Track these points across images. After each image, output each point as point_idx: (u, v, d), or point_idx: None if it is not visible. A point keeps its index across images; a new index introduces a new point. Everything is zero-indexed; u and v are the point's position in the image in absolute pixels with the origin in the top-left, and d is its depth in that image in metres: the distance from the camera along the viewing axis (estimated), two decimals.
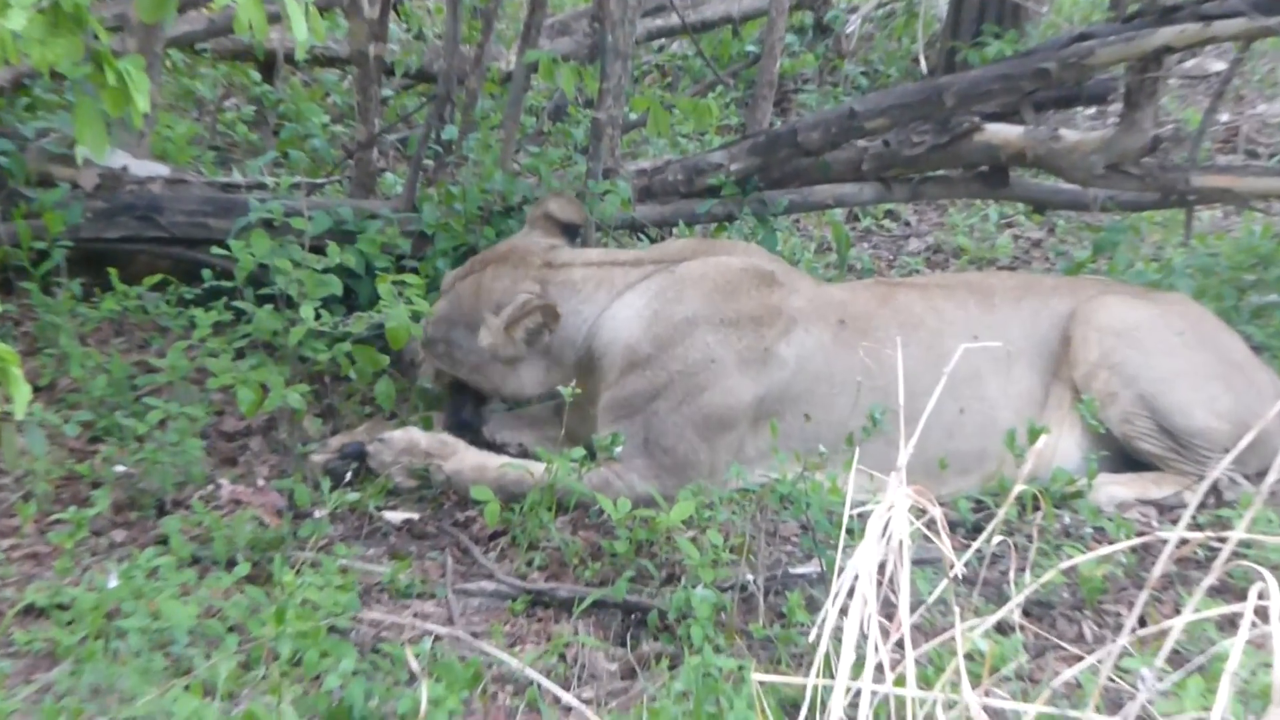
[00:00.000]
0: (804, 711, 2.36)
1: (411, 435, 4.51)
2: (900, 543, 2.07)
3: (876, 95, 6.21)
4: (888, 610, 2.07)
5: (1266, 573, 2.04)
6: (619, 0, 5.47)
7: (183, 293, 5.24)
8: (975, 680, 2.27)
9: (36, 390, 4.56)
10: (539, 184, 5.69)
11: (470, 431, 4.71)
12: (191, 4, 7.40)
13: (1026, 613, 3.71)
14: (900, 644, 2.04)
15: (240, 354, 4.73)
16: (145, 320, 5.25)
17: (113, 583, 3.47)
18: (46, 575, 3.68)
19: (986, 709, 2.22)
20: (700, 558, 3.66)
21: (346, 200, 5.94)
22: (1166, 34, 5.20)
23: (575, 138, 7.97)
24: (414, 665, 3.24)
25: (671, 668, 3.39)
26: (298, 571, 3.65)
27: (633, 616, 3.71)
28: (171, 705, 2.94)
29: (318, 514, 4.14)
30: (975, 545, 2.47)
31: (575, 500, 4.21)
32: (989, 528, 2.41)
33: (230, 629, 3.37)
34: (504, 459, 4.43)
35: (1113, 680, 3.02)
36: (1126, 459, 4.63)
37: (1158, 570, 2.16)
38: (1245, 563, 2.48)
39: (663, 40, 10.45)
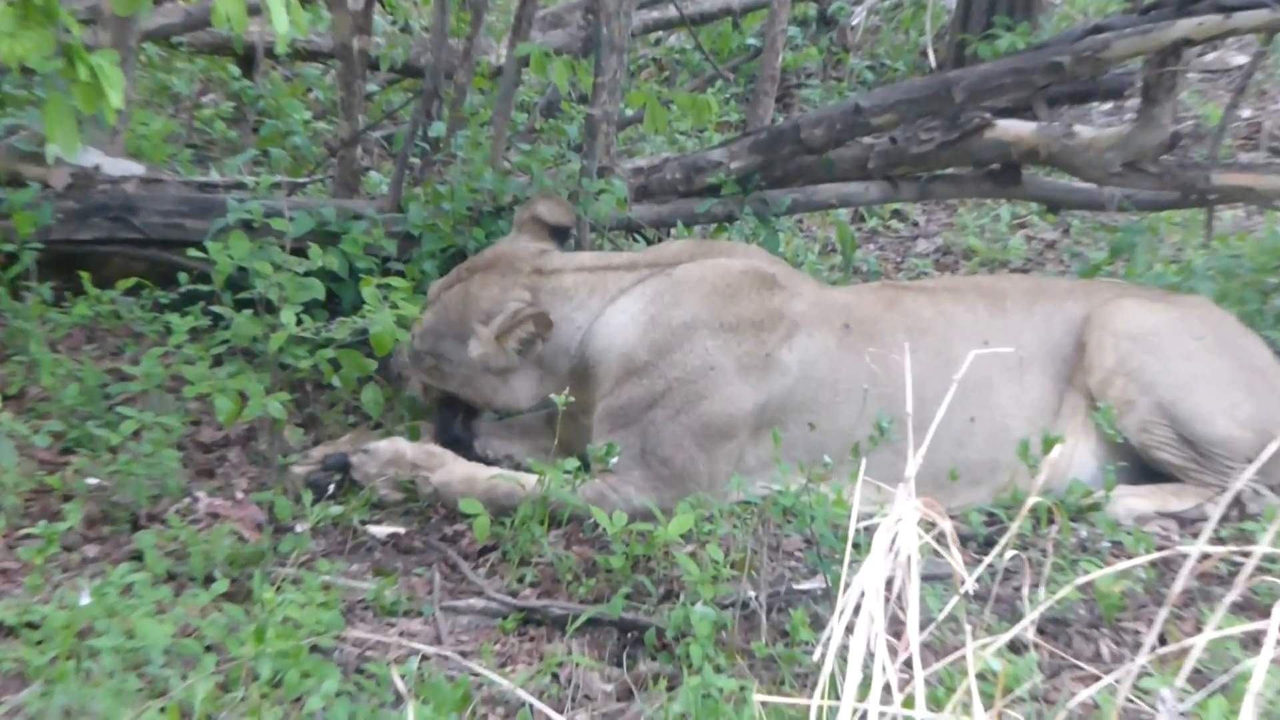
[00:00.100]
0: None
1: (397, 446, 4.51)
2: (909, 557, 2.07)
3: (883, 90, 6.22)
4: (896, 628, 2.07)
5: None
6: None
7: (158, 297, 5.22)
8: (988, 701, 2.27)
9: (5, 399, 4.56)
10: (530, 183, 5.69)
11: (462, 447, 4.70)
12: None
13: (1041, 630, 3.71)
14: (909, 663, 2.04)
15: (218, 361, 4.72)
16: (119, 326, 5.24)
17: (85, 600, 3.46)
18: (16, 592, 3.67)
19: None
20: (700, 573, 3.66)
21: (329, 200, 5.94)
22: (1185, 26, 5.20)
23: (569, 135, 7.98)
24: (400, 686, 3.24)
25: (670, 689, 3.39)
26: (278, 588, 3.64)
27: (629, 635, 3.71)
28: None
29: (299, 528, 4.14)
30: (987, 560, 2.47)
31: (569, 513, 4.20)
32: (1002, 541, 2.41)
33: (208, 648, 3.36)
34: (494, 470, 4.43)
35: (1131, 701, 3.02)
36: (1145, 470, 4.63)
37: (1178, 586, 2.16)
38: (1269, 578, 2.49)
39: (660, 33, 10.47)
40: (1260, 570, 3.46)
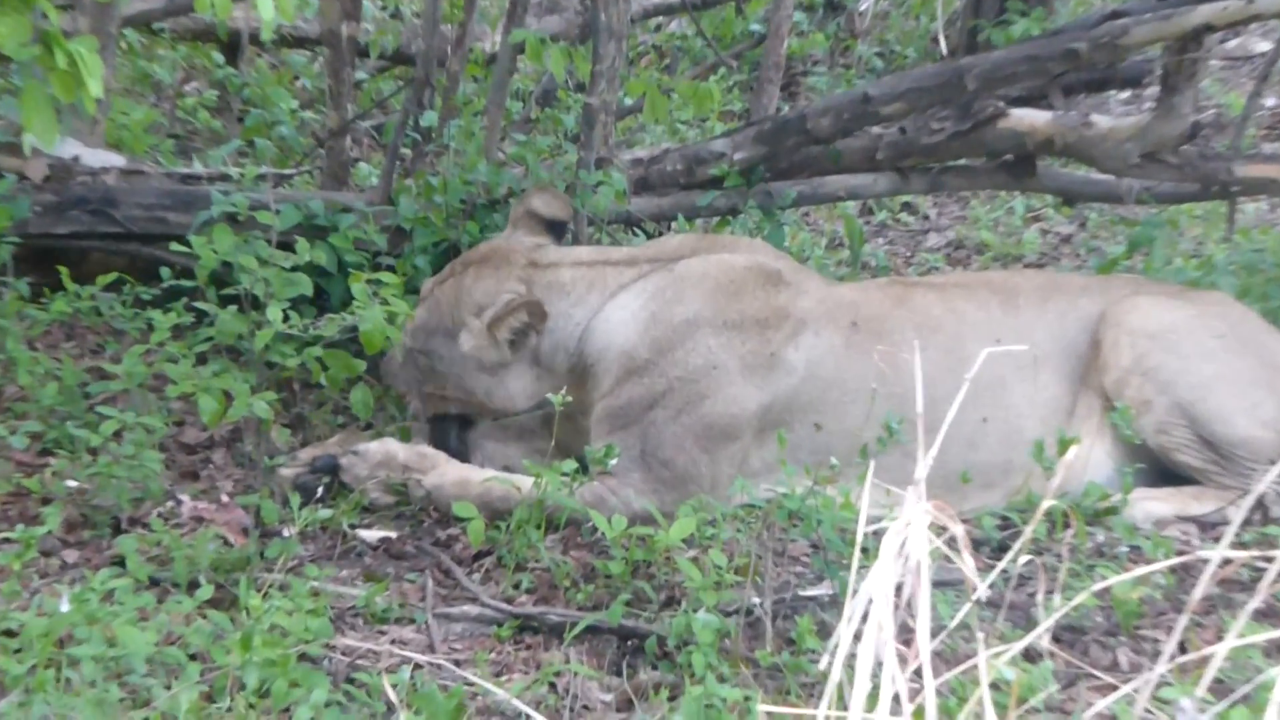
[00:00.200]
0: None
1: (388, 447, 4.51)
2: (919, 563, 2.08)
3: (892, 78, 6.23)
4: (905, 636, 2.07)
5: None
6: None
7: (139, 293, 5.23)
8: (1001, 712, 2.27)
9: None
10: (526, 175, 5.70)
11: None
12: None
13: (1056, 638, 3.71)
14: (919, 673, 2.05)
15: (202, 359, 4.72)
16: (99, 323, 5.25)
17: (64, 607, 3.46)
18: None
19: None
20: (702, 579, 3.66)
21: (317, 193, 5.94)
22: (1207, 11, 5.21)
23: (565, 125, 7.96)
24: (391, 696, 3.24)
25: (671, 699, 3.39)
26: (265, 595, 3.64)
27: (629, 643, 3.71)
28: None
29: (287, 532, 4.14)
30: (1001, 565, 2.47)
31: (566, 517, 4.21)
32: (1015, 546, 2.41)
33: (192, 657, 3.36)
34: (489, 472, 4.43)
35: (1150, 712, 3.02)
36: (1163, 472, 4.63)
37: (1198, 592, 2.16)
38: None
39: (660, 19, 10.47)
40: None
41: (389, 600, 3.87)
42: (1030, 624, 3.70)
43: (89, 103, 3.35)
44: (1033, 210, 8.15)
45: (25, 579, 3.78)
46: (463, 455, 4.74)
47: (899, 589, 2.09)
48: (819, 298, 4.67)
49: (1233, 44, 9.93)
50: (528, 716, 3.26)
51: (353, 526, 4.32)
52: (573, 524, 4.23)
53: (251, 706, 3.20)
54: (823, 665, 2.07)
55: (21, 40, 3.17)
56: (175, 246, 4.86)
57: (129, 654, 3.27)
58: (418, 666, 3.51)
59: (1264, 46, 9.56)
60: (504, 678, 3.55)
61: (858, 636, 2.06)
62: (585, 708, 3.45)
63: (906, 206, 8.45)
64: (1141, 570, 2.58)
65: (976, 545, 4.26)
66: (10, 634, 3.43)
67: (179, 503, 4.23)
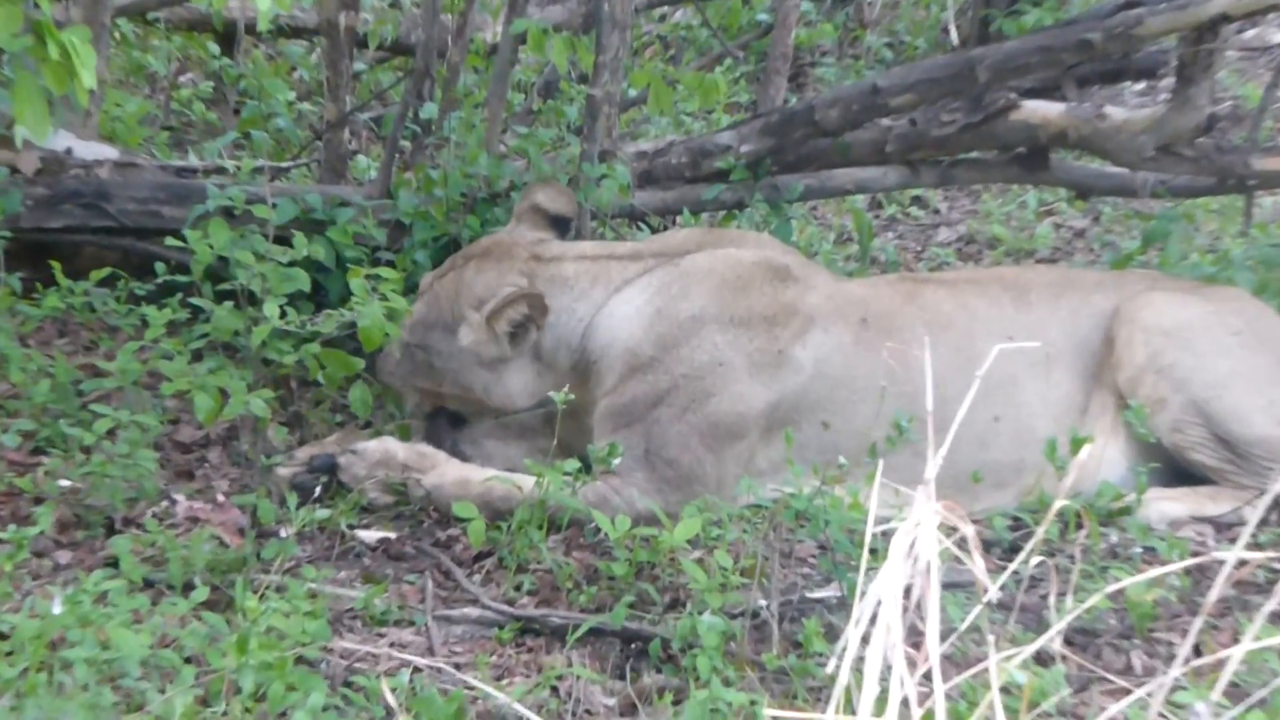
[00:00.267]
0: None
1: (387, 446, 4.52)
2: (928, 564, 2.08)
3: (902, 69, 6.23)
4: (914, 639, 2.07)
5: None
6: None
7: (133, 288, 5.22)
8: (1012, 716, 2.28)
9: None
10: (528, 168, 5.70)
11: None
12: None
13: (1069, 641, 3.72)
14: (928, 676, 2.05)
15: (197, 356, 4.73)
16: (92, 319, 5.25)
17: (57, 609, 3.45)
18: None
19: None
20: (707, 581, 3.66)
21: (315, 186, 5.95)
22: (1223, 1, 5.20)
23: (568, 116, 7.98)
24: (390, 700, 3.24)
25: (676, 703, 3.39)
26: (261, 596, 3.64)
27: (633, 646, 3.71)
28: None
29: (284, 533, 4.14)
30: (1012, 567, 2.47)
31: (569, 518, 4.22)
32: (1027, 547, 2.41)
33: (187, 660, 3.36)
34: (490, 472, 4.43)
35: (1164, 716, 3.02)
36: (1178, 471, 4.63)
37: (1214, 594, 2.16)
38: None
39: (665, 8, 10.46)
40: None
41: (388, 602, 3.87)
42: (1042, 627, 3.71)
43: (82, 94, 3.36)
44: (1045, 204, 8.14)
45: (17, 580, 3.78)
46: (456, 452, 4.74)
47: (908, 591, 2.09)
48: (827, 294, 4.67)
49: (1250, 34, 9.93)
50: None
51: (351, 527, 4.32)
52: (575, 524, 4.24)
53: (248, 710, 3.20)
54: (830, 669, 2.07)
55: (13, 30, 3.18)
56: (170, 241, 4.86)
57: (123, 657, 3.26)
58: (417, 670, 3.51)
59: None
60: (505, 681, 3.55)
61: (866, 639, 2.06)
62: (588, 712, 3.45)
63: (916, 200, 8.45)
64: (1156, 572, 2.58)
65: (987, 546, 4.26)
66: (2, 636, 3.43)
67: (174, 502, 4.23)
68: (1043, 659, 3.37)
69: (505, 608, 3.85)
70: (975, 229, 7.95)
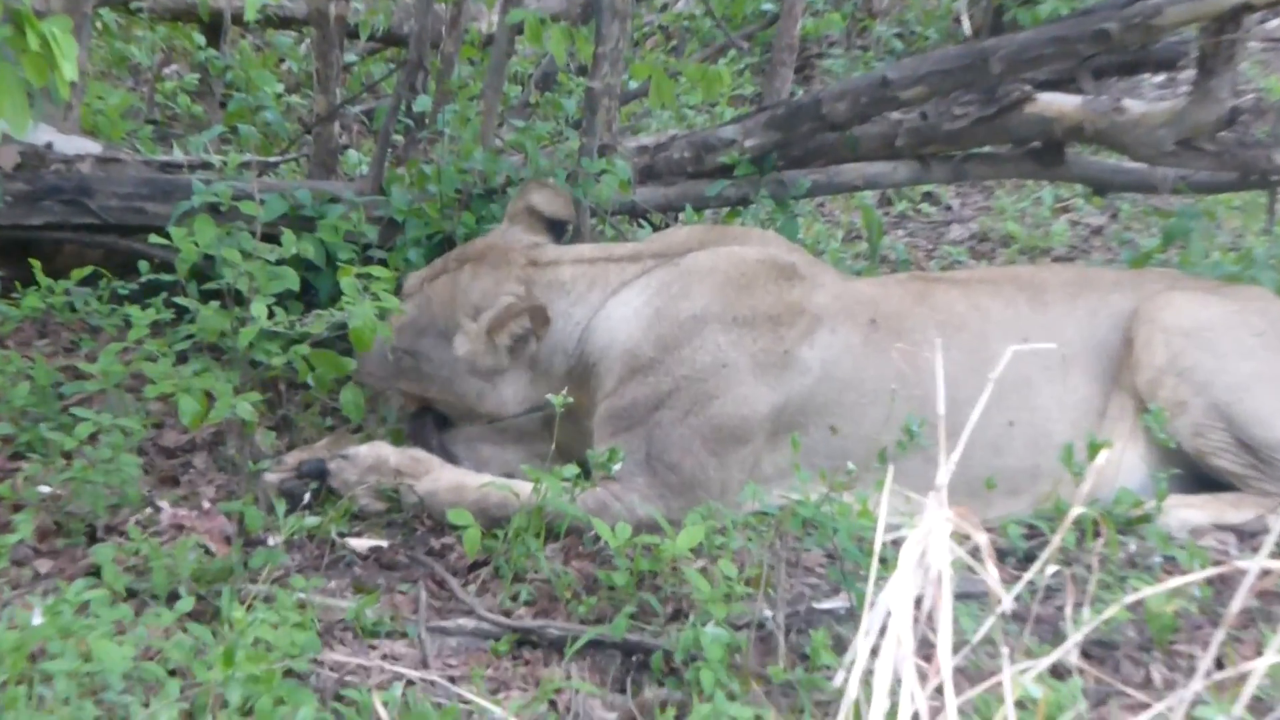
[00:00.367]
0: None
1: (379, 451, 4.51)
2: (940, 574, 2.08)
3: (912, 60, 6.22)
4: (926, 651, 2.07)
5: None
6: None
7: (116, 287, 5.24)
8: None
9: None
10: (525, 163, 5.70)
11: None
12: None
13: (1086, 654, 3.72)
14: (940, 690, 2.05)
15: (182, 358, 4.73)
16: (73, 319, 5.26)
17: (37, 620, 3.46)
18: None
19: None
20: (711, 591, 3.66)
21: (304, 182, 5.95)
22: None
23: (566, 110, 7.99)
24: (382, 714, 3.24)
25: (678, 717, 3.39)
26: (249, 607, 3.64)
27: (634, 658, 3.71)
28: None
29: (272, 541, 4.14)
30: (1027, 576, 2.47)
31: (567, 525, 4.21)
32: (1043, 556, 2.41)
33: (171, 672, 3.35)
34: (485, 478, 4.43)
35: None
36: (1200, 477, 4.63)
37: (1236, 605, 2.16)
38: None
39: None
40: None
41: (380, 613, 3.87)
42: (1058, 638, 3.70)
43: (63, 86, 3.35)
44: (1061, 200, 8.15)
45: None
46: (444, 453, 4.74)
47: (919, 601, 2.09)
48: (835, 293, 4.67)
49: (1273, 24, 9.92)
50: None
51: (342, 535, 4.32)
52: (574, 532, 4.23)
53: None
54: (838, 682, 2.07)
55: None
56: (154, 238, 4.86)
57: (105, 669, 3.26)
58: (410, 683, 3.51)
59: None
60: (501, 695, 3.55)
61: (875, 651, 2.06)
62: None
63: (928, 196, 8.45)
64: (1176, 582, 2.58)
65: (1001, 555, 4.26)
66: None
67: (158, 510, 4.23)
68: (1059, 672, 3.36)
69: (501, 619, 3.85)
70: (989, 226, 7.95)
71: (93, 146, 5.84)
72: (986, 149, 6.25)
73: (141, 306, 4.72)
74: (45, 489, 4.22)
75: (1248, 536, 4.45)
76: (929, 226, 8.19)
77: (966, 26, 9.87)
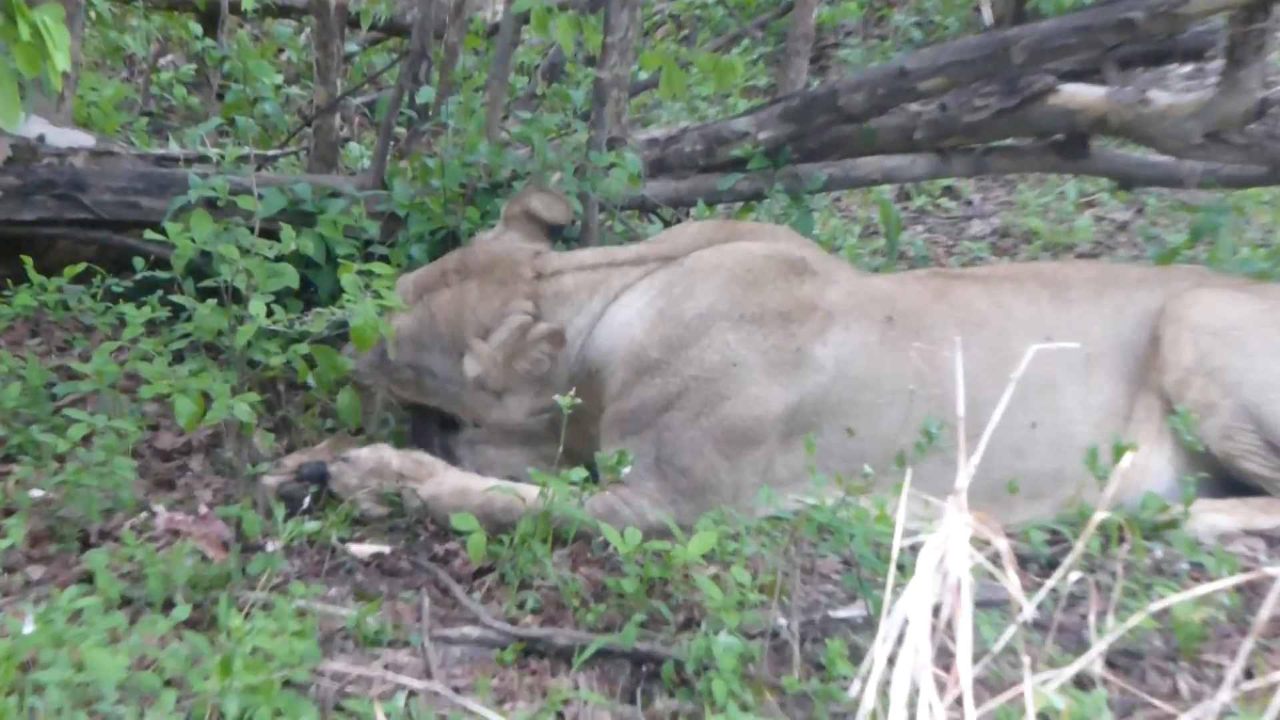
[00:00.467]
0: None
1: (381, 454, 4.52)
2: (959, 581, 2.08)
3: (931, 50, 6.22)
4: (944, 661, 2.07)
5: None
6: None
7: (110, 285, 5.25)
8: None
9: None
10: (531, 156, 5.70)
11: None
12: None
13: (1110, 664, 3.71)
14: (959, 701, 2.05)
15: (178, 357, 4.74)
16: (66, 317, 5.27)
17: (28, 628, 3.46)
18: None
19: None
20: (723, 599, 3.66)
21: (303, 176, 5.95)
22: None
23: (574, 101, 7.99)
24: None
25: None
26: (247, 615, 3.65)
27: (644, 668, 3.71)
28: None
29: (270, 547, 4.14)
30: (1049, 583, 2.47)
31: (575, 530, 4.21)
32: (1066, 563, 2.41)
33: (167, 683, 3.36)
34: (490, 481, 4.43)
35: None
36: (1228, 481, 4.62)
37: (1265, 613, 2.16)
38: None
39: None
40: None
41: (382, 621, 3.87)
42: (1082, 648, 3.70)
43: (55, 77, 3.35)
44: (1086, 195, 8.14)
45: None
46: (447, 457, 4.74)
47: (937, 609, 2.09)
48: (849, 289, 4.66)
49: None
50: None
51: (342, 540, 4.32)
52: (582, 538, 4.23)
53: None
54: (854, 693, 2.07)
55: None
56: (149, 234, 4.85)
57: (98, 680, 3.27)
58: (413, 694, 3.51)
59: None
60: (507, 706, 3.55)
61: (892, 661, 2.06)
62: None
63: (948, 191, 8.45)
64: (1204, 589, 2.57)
65: (1023, 561, 4.26)
66: None
67: (153, 514, 4.23)
68: (1082, 683, 3.36)
69: (507, 627, 3.85)
70: (1010, 221, 7.95)
71: (86, 139, 5.84)
72: (1008, 142, 6.25)
73: (136, 304, 4.73)
74: (37, 493, 4.23)
75: (1278, 542, 4.45)
76: (949, 222, 8.18)
77: (987, 15, 9.85)
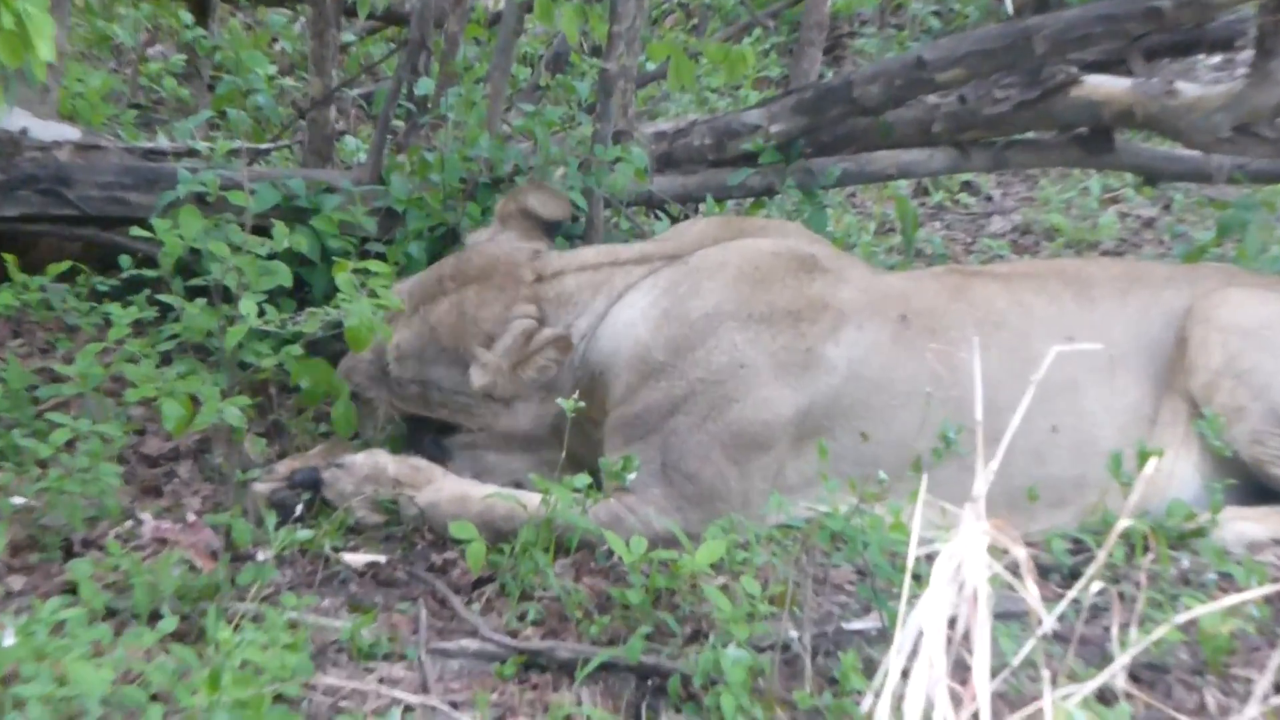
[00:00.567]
0: None
1: (377, 459, 4.51)
2: (977, 591, 2.07)
3: (950, 40, 6.21)
4: (961, 674, 2.06)
5: None
6: None
7: (96, 283, 5.25)
8: None
9: None
10: (534, 150, 5.70)
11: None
12: None
13: (1135, 677, 3.71)
14: (977, 716, 2.04)
15: (166, 359, 4.74)
16: (49, 317, 5.27)
17: (8, 641, 3.46)
18: None
19: None
20: (732, 610, 3.66)
21: (297, 170, 5.96)
22: None
23: (579, 93, 7.99)
24: None
25: None
26: (236, 627, 3.64)
27: (649, 682, 3.71)
28: None
29: (261, 556, 4.14)
30: (1071, 594, 2.46)
31: (578, 539, 4.21)
32: (1088, 573, 2.40)
33: (153, 697, 3.36)
34: (490, 488, 4.43)
35: None
36: (1258, 488, 4.61)
37: None
38: None
39: None
40: None
41: (377, 633, 3.87)
42: (1104, 661, 3.70)
43: (39, 68, 3.36)
44: (1110, 190, 8.14)
45: None
46: (443, 461, 4.74)
47: (954, 621, 2.08)
48: (862, 287, 4.66)
49: None
50: None
51: (336, 549, 4.32)
52: (586, 547, 4.23)
53: None
54: (867, 707, 2.06)
55: None
56: (136, 231, 4.85)
57: (82, 694, 3.26)
58: (409, 709, 3.52)
59: None
60: None
61: (908, 675, 2.06)
62: None
63: (966, 186, 8.45)
64: (1232, 600, 2.57)
65: (1044, 571, 4.25)
66: None
67: (139, 522, 4.24)
68: (1105, 697, 3.35)
69: (507, 640, 3.85)
70: (1032, 218, 7.94)
71: (71, 132, 5.84)
72: (1029, 135, 6.24)
73: (123, 304, 4.73)
74: (19, 500, 4.23)
75: None
76: (968, 218, 8.18)
77: (1008, 4, 9.83)
